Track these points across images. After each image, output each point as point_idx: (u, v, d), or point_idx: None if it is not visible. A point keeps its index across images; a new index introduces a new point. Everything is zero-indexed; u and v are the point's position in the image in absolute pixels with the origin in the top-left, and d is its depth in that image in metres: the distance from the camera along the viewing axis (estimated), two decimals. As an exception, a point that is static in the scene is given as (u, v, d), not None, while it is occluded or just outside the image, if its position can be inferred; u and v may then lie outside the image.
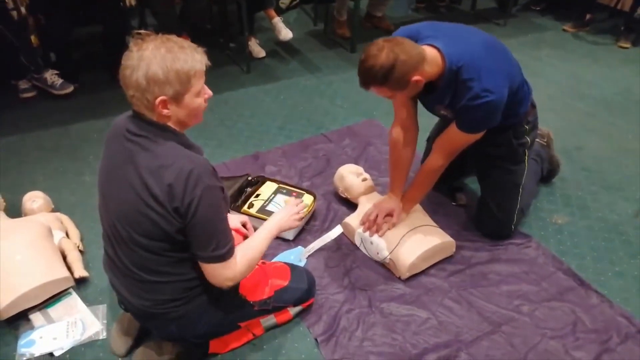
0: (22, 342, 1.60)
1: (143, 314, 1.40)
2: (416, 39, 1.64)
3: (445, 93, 1.67)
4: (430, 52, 1.59)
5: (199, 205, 1.23)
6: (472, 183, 2.31)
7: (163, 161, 1.22)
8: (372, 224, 1.89)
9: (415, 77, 1.56)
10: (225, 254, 1.30)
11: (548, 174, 2.31)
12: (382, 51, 1.51)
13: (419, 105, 1.88)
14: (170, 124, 1.27)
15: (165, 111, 1.23)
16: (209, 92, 1.31)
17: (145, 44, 1.20)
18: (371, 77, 1.54)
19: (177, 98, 1.23)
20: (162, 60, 1.18)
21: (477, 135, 1.74)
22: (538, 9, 4.34)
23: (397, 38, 1.58)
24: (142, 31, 1.24)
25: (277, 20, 3.38)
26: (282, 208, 1.65)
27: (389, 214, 1.89)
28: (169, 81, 1.19)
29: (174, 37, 1.23)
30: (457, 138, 1.75)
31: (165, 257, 1.31)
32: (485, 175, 2.04)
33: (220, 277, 1.33)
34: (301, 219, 1.64)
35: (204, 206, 1.23)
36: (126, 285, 1.38)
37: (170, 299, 1.36)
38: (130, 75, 1.19)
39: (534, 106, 1.94)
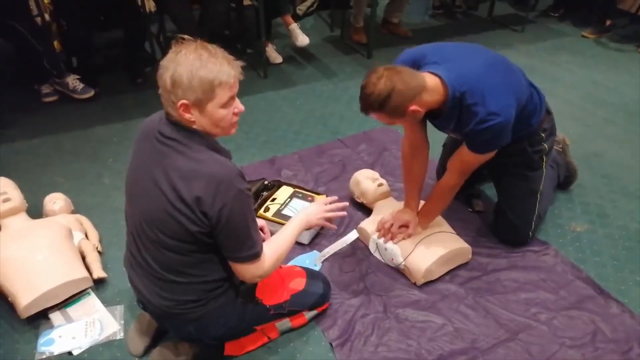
0: (42, 340, 1.63)
1: (162, 313, 1.41)
2: (420, 63, 1.65)
3: (450, 119, 1.67)
4: (431, 80, 1.59)
5: (230, 210, 1.25)
6: (489, 189, 2.29)
7: (194, 165, 1.25)
8: (387, 232, 1.89)
9: (412, 108, 1.56)
10: (256, 253, 1.34)
11: (565, 180, 2.28)
12: (381, 79, 1.52)
13: None
14: (197, 128, 1.28)
15: (187, 115, 1.25)
16: (239, 107, 1.32)
17: (181, 48, 1.23)
18: (369, 103, 1.56)
19: (199, 105, 1.24)
20: (189, 65, 1.20)
21: (489, 155, 1.73)
22: (557, 15, 4.31)
23: (397, 67, 1.57)
24: (185, 36, 1.26)
25: (294, 27, 3.41)
26: (313, 203, 1.65)
27: (405, 225, 1.89)
28: (191, 87, 1.21)
29: (210, 46, 1.25)
30: (468, 159, 1.74)
31: (189, 257, 1.33)
32: (502, 182, 2.02)
33: (251, 275, 1.38)
34: (329, 218, 1.62)
35: (235, 211, 1.26)
36: (147, 284, 1.40)
37: (190, 299, 1.38)
38: (162, 75, 1.23)
39: (549, 113, 1.92)
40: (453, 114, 1.64)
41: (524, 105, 1.72)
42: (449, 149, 2.11)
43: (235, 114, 1.31)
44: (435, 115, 1.69)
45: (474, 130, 1.62)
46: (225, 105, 1.27)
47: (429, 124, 1.84)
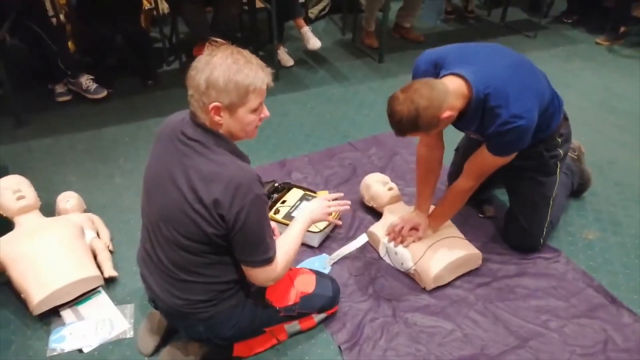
0: (53, 337, 1.65)
1: (173, 312, 1.42)
2: (441, 65, 1.65)
3: (472, 120, 1.66)
4: (455, 83, 1.58)
5: (247, 214, 1.27)
6: (501, 195, 2.28)
7: (214, 168, 1.26)
8: (397, 235, 1.89)
9: (445, 115, 1.56)
10: (269, 258, 1.36)
11: (579, 188, 2.26)
12: (403, 105, 1.53)
13: None
14: (222, 131, 1.30)
15: (217, 118, 1.27)
16: (266, 113, 1.35)
17: (217, 51, 1.25)
18: (402, 128, 1.57)
19: (231, 108, 1.26)
20: (226, 69, 1.22)
21: (508, 158, 1.73)
22: (570, 21, 4.28)
23: (413, 85, 1.56)
24: (218, 39, 1.29)
25: (306, 30, 3.42)
26: (314, 200, 1.66)
27: (415, 228, 1.89)
28: (227, 90, 1.23)
29: (245, 51, 1.28)
30: (487, 161, 1.74)
31: (203, 258, 1.34)
32: (515, 187, 2.01)
33: (263, 278, 1.40)
34: (331, 213, 1.62)
35: (252, 215, 1.28)
36: (160, 283, 1.41)
37: (202, 299, 1.38)
38: (194, 76, 1.24)
39: (566, 119, 1.91)
40: (476, 115, 1.63)
41: (545, 108, 1.71)
42: (461, 154, 2.11)
43: (260, 119, 1.34)
44: (458, 117, 1.68)
45: (497, 132, 1.61)
46: (255, 111, 1.30)
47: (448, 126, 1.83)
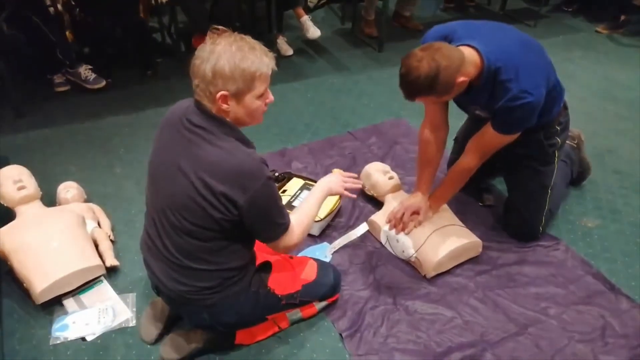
0: (56, 326, 1.66)
1: (177, 298, 1.43)
2: (451, 38, 1.64)
3: (482, 93, 1.65)
4: (468, 52, 1.58)
5: (260, 197, 1.29)
6: (500, 184, 2.29)
7: (223, 155, 1.27)
8: (399, 222, 1.89)
9: (460, 79, 1.55)
10: (285, 227, 1.41)
11: (578, 176, 2.27)
12: (423, 61, 1.50)
13: (450, 104, 1.87)
14: (228, 119, 1.31)
15: (224, 106, 1.27)
16: (271, 98, 1.36)
17: (219, 40, 1.25)
18: (417, 89, 1.53)
19: (238, 96, 1.27)
20: (231, 56, 1.23)
21: (512, 137, 1.73)
22: (570, 10, 4.27)
23: (433, 44, 1.55)
24: (219, 27, 1.29)
25: (306, 19, 3.40)
26: (331, 174, 1.68)
27: (416, 212, 1.89)
28: (233, 78, 1.24)
29: (247, 38, 1.28)
30: (492, 139, 1.73)
31: (209, 244, 1.35)
32: (514, 176, 2.02)
33: (283, 246, 1.44)
34: (348, 188, 1.63)
35: (264, 197, 1.31)
36: (164, 269, 1.41)
37: (206, 286, 1.39)
38: (199, 66, 1.24)
39: (565, 107, 1.91)
40: (486, 88, 1.63)
41: (550, 90, 1.71)
42: (460, 143, 2.11)
43: (266, 104, 1.35)
44: (466, 91, 1.67)
45: (505, 107, 1.60)
46: (261, 97, 1.31)
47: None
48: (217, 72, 1.23)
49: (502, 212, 2.10)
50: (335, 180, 1.62)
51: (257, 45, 1.28)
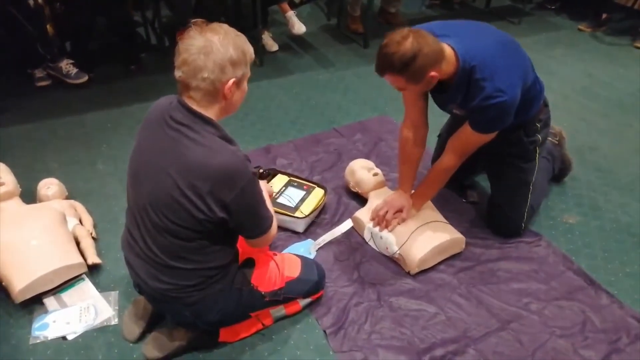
0: (36, 325, 1.63)
1: (159, 296, 1.42)
2: None
3: (457, 92, 1.66)
4: (445, 50, 1.58)
5: (245, 195, 1.30)
6: (483, 180, 2.30)
7: (207, 153, 1.26)
8: (382, 220, 1.90)
9: (432, 73, 1.55)
10: (268, 227, 1.44)
11: (560, 172, 2.30)
12: (407, 39, 1.49)
13: (430, 102, 1.87)
14: (214, 113, 1.31)
15: (229, 93, 1.29)
16: None
17: (210, 30, 1.26)
18: (390, 63, 1.51)
19: (240, 81, 1.31)
20: (234, 42, 1.27)
21: (490, 136, 1.74)
22: (553, 7, 4.31)
23: (421, 30, 1.55)
24: (198, 20, 1.30)
25: (291, 14, 3.38)
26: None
27: (399, 210, 1.90)
28: (240, 62, 1.28)
29: (226, 25, 1.31)
30: (470, 138, 1.75)
31: (191, 244, 1.34)
32: (496, 173, 2.03)
33: (265, 242, 1.48)
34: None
35: (249, 195, 1.32)
36: (145, 267, 1.40)
37: (188, 284, 1.38)
38: (206, 58, 1.23)
39: (546, 105, 1.93)
40: (461, 87, 1.64)
41: (527, 89, 1.72)
42: (444, 139, 2.12)
43: None
44: (441, 90, 1.68)
45: (480, 105, 1.61)
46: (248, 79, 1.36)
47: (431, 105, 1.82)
48: (228, 59, 1.25)
49: (485, 209, 2.12)
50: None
51: (232, 29, 1.32)
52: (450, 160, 1.82)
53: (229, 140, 1.33)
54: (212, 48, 1.23)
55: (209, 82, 1.25)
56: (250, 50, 1.31)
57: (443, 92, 1.70)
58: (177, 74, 1.27)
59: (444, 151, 1.84)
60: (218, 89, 1.27)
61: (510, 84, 1.61)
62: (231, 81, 1.26)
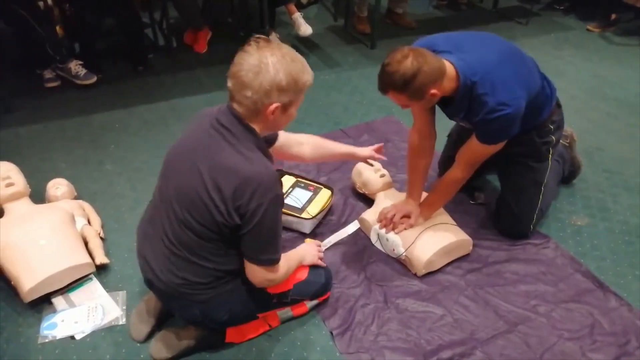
0: (44, 324, 1.64)
1: (169, 291, 1.41)
2: (432, 50, 1.64)
3: (460, 107, 1.68)
4: (446, 67, 1.59)
5: (264, 211, 1.28)
6: (493, 182, 2.29)
7: (240, 159, 1.27)
8: (389, 222, 1.90)
9: (433, 91, 1.56)
10: (275, 260, 1.39)
11: (569, 175, 2.28)
12: (407, 58, 1.51)
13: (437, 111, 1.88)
14: (257, 127, 1.32)
15: (271, 117, 1.29)
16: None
17: (269, 50, 1.26)
18: (391, 82, 1.54)
19: (286, 107, 1.30)
20: (287, 68, 1.25)
21: (498, 146, 1.74)
22: (562, 8, 4.28)
23: (420, 49, 1.57)
24: (260, 36, 1.30)
25: (297, 16, 3.39)
26: (306, 245, 1.74)
27: (406, 215, 1.90)
28: (288, 90, 1.27)
29: (287, 47, 1.30)
30: (477, 150, 1.75)
31: (210, 244, 1.35)
32: (507, 172, 2.02)
33: (262, 278, 1.41)
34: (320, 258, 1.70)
35: (269, 214, 1.29)
36: (160, 259, 1.40)
37: (201, 282, 1.39)
38: (254, 78, 1.23)
39: (559, 106, 1.93)
40: (463, 103, 1.65)
41: (534, 97, 1.72)
42: (454, 140, 2.12)
43: None
44: (446, 103, 1.70)
45: (483, 119, 1.63)
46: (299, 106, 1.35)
47: (439, 112, 1.84)
48: (276, 84, 1.24)
49: (493, 210, 2.11)
50: (311, 250, 1.67)
51: (297, 55, 1.30)
52: (459, 172, 1.82)
53: (266, 154, 1.35)
54: (262, 69, 1.23)
55: (252, 101, 1.26)
56: (304, 78, 1.29)
57: (447, 107, 1.72)
58: (228, 82, 1.29)
59: (454, 164, 1.84)
60: (260, 110, 1.28)
61: (513, 96, 1.61)
62: (274, 105, 1.26)
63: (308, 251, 1.66)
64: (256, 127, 1.32)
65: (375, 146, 1.93)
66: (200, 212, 1.30)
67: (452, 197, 1.93)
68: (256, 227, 1.30)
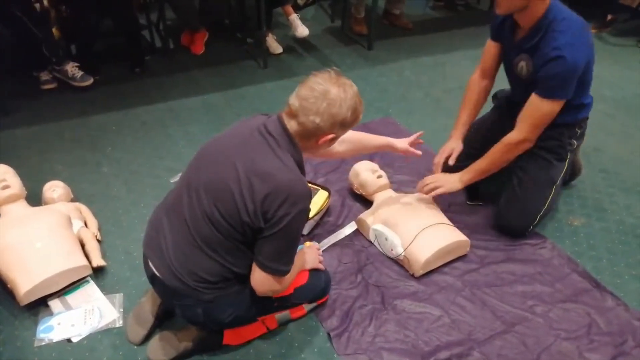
0: (41, 327, 1.64)
1: (174, 286, 1.40)
2: None
3: (531, 36, 1.78)
4: None
5: (289, 221, 1.30)
6: (489, 184, 2.29)
7: (278, 166, 1.31)
8: (438, 168, 2.02)
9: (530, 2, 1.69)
10: (285, 271, 1.40)
11: (569, 177, 2.29)
12: None
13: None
14: (301, 144, 1.37)
15: (322, 145, 1.36)
16: None
17: (345, 86, 1.35)
18: None
19: (337, 138, 1.39)
20: (355, 106, 1.36)
21: (555, 105, 1.79)
22: (558, 8, 4.29)
23: None
24: (334, 69, 1.38)
25: (294, 17, 3.39)
26: (305, 247, 1.74)
27: (449, 155, 2.01)
28: (348, 125, 1.36)
29: (354, 86, 1.39)
30: (538, 107, 1.80)
31: (229, 242, 1.36)
32: (525, 166, 2.02)
33: (268, 287, 1.41)
34: (321, 260, 1.73)
35: (293, 224, 1.32)
36: (174, 250, 1.39)
37: (209, 280, 1.39)
38: (327, 108, 1.32)
39: (587, 118, 2.02)
40: (537, 32, 1.77)
41: (584, 73, 1.81)
42: (499, 100, 2.23)
43: None
44: (517, 35, 1.84)
45: (546, 56, 1.73)
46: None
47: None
48: (341, 120, 1.34)
49: (500, 202, 2.07)
50: (311, 254, 1.69)
51: (353, 87, 1.38)
52: (517, 134, 1.87)
53: (302, 168, 1.39)
54: (336, 104, 1.31)
55: (314, 126, 1.32)
56: (360, 116, 1.39)
57: (517, 40, 1.84)
58: (293, 101, 1.33)
59: (515, 126, 1.88)
60: (316, 135, 1.34)
61: (578, 49, 1.72)
62: (331, 136, 1.35)
63: (309, 256, 1.68)
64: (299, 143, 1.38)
65: (413, 137, 1.97)
66: (227, 208, 1.31)
67: (501, 164, 1.93)
68: (277, 234, 1.31)
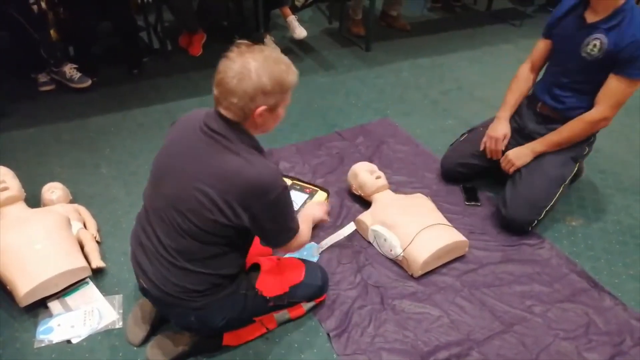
0: (40, 329, 1.64)
1: (165, 299, 1.41)
2: None
3: (614, 17, 1.83)
4: None
5: (272, 208, 1.33)
6: (487, 185, 2.30)
7: (242, 163, 1.29)
8: (495, 153, 2.13)
9: None
10: (296, 229, 1.46)
11: (572, 179, 2.29)
12: None
13: None
14: (248, 128, 1.33)
15: (259, 119, 1.30)
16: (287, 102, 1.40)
17: (250, 55, 1.26)
18: None
19: (273, 108, 1.31)
20: (270, 71, 1.26)
21: (637, 85, 1.85)
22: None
23: None
24: (242, 41, 1.31)
25: (292, 19, 3.40)
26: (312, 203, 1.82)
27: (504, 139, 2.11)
28: (274, 92, 1.27)
29: (268, 48, 1.32)
30: (620, 87, 1.86)
31: (209, 248, 1.35)
32: (540, 161, 2.04)
33: (292, 247, 1.50)
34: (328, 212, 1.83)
35: (280, 206, 1.35)
36: (156, 267, 1.39)
37: (197, 289, 1.39)
38: (238, 84, 1.24)
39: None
40: (618, 15, 1.82)
41: None
42: (458, 153, 2.26)
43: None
44: (597, 16, 1.87)
45: (634, 36, 1.78)
46: (286, 105, 1.36)
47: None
48: (260, 89, 1.25)
49: (505, 194, 2.06)
50: (316, 206, 1.77)
51: (281, 55, 1.31)
52: (598, 113, 1.93)
53: (260, 150, 1.37)
54: (246, 75, 1.24)
55: (238, 107, 1.27)
56: (289, 79, 1.30)
57: (595, 22, 1.87)
58: (214, 90, 1.30)
59: (594, 105, 1.94)
60: (247, 114, 1.29)
61: None
62: (261, 109, 1.28)
63: (315, 208, 1.75)
64: (249, 127, 1.33)
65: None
66: (202, 219, 1.30)
67: (580, 140, 2.02)
68: (270, 219, 1.35)
